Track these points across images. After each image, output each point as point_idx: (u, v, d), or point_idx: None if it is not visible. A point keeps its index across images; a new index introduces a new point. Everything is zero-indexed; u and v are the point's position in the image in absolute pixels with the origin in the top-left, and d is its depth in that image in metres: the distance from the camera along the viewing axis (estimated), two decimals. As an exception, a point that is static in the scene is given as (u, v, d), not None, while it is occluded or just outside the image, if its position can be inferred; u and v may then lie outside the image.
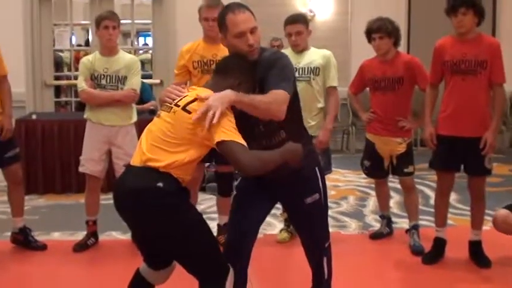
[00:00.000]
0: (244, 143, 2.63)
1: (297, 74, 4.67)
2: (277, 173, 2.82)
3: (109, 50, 4.88)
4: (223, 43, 3.04)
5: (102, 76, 4.83)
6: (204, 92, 2.78)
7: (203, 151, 2.77)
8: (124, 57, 4.94)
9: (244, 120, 2.77)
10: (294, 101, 2.97)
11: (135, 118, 4.98)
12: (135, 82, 4.88)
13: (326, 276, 3.24)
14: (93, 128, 4.88)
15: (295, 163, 2.81)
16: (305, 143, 2.98)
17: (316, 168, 3.13)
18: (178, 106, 2.75)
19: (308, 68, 4.88)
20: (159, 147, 2.74)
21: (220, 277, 2.83)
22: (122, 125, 4.87)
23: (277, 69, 2.85)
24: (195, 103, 2.70)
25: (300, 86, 4.46)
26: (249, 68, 2.88)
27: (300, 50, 4.89)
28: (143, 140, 2.84)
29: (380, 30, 4.72)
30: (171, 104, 2.82)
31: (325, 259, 3.23)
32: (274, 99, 2.76)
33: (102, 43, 4.90)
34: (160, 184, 2.66)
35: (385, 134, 4.86)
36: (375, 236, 5.22)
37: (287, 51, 4.84)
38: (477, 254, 4.54)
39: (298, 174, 2.96)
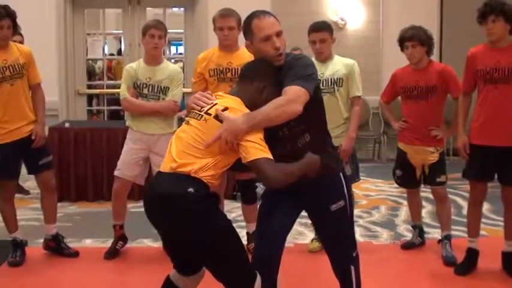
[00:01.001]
0: (270, 156, 2.71)
1: (321, 86, 4.64)
2: (301, 181, 2.84)
3: (153, 59, 4.91)
4: (250, 50, 3.06)
5: (145, 85, 4.86)
6: (231, 102, 2.84)
7: (232, 158, 2.81)
8: (168, 68, 4.96)
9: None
10: (318, 103, 3.01)
11: (175, 127, 4.98)
12: (176, 94, 4.90)
13: (354, 287, 3.19)
14: (133, 135, 4.92)
15: (314, 174, 2.85)
16: (328, 148, 3.07)
17: (341, 175, 3.12)
18: (210, 114, 2.79)
19: (332, 79, 4.84)
20: (189, 153, 2.77)
21: (247, 284, 2.84)
22: (162, 134, 4.89)
23: (296, 68, 2.89)
24: (227, 112, 2.76)
25: (324, 98, 4.48)
26: (274, 71, 2.92)
27: (323, 58, 4.86)
28: (173, 146, 2.87)
29: (413, 38, 4.69)
30: (200, 111, 2.85)
31: (352, 269, 3.17)
32: (286, 101, 2.79)
33: (147, 51, 4.92)
34: (191, 189, 2.70)
35: (418, 143, 4.82)
36: (407, 246, 5.17)
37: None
38: (510, 265, 4.47)
39: (323, 181, 2.97)
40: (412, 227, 5.30)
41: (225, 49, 4.77)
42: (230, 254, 2.80)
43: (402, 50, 4.82)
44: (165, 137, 4.88)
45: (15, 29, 4.65)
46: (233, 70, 4.71)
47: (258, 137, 2.72)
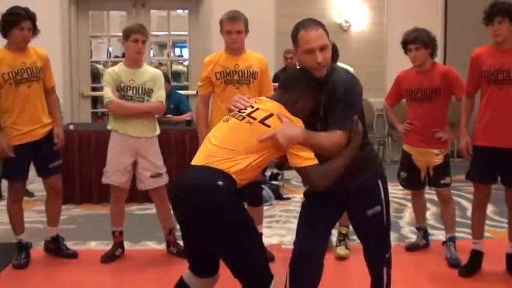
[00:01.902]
0: (315, 161, 2.83)
1: None
2: (340, 185, 2.94)
3: (135, 62, 4.91)
4: (295, 57, 3.12)
5: (129, 87, 4.85)
6: (274, 107, 2.91)
7: (266, 160, 2.90)
8: (149, 71, 4.99)
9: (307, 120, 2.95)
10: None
11: (158, 130, 5.02)
12: (161, 95, 4.92)
13: (385, 286, 3.32)
14: (120, 139, 4.88)
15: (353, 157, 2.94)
16: (367, 154, 3.14)
17: (379, 181, 3.18)
18: (254, 119, 2.87)
19: None
20: (225, 149, 2.84)
21: (264, 283, 2.88)
22: (149, 137, 4.90)
23: (345, 104, 2.91)
24: (272, 118, 2.85)
25: None
26: (312, 85, 2.96)
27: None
28: (208, 141, 2.95)
29: (416, 41, 4.68)
30: (240, 112, 2.93)
31: (385, 269, 3.31)
32: (333, 144, 2.87)
33: (130, 55, 4.93)
34: (220, 182, 2.75)
35: (422, 145, 4.82)
36: (411, 247, 5.17)
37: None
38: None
39: (361, 185, 3.09)
40: (417, 228, 5.30)
41: (231, 52, 4.78)
42: (250, 250, 2.85)
43: (406, 52, 4.82)
44: (151, 139, 4.92)
45: (34, 31, 4.66)
46: (240, 72, 4.73)
47: (307, 148, 2.84)
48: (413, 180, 4.98)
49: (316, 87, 2.94)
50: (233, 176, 2.80)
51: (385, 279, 3.32)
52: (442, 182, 4.84)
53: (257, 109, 2.91)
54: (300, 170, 2.86)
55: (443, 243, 4.97)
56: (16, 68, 4.57)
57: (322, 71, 2.94)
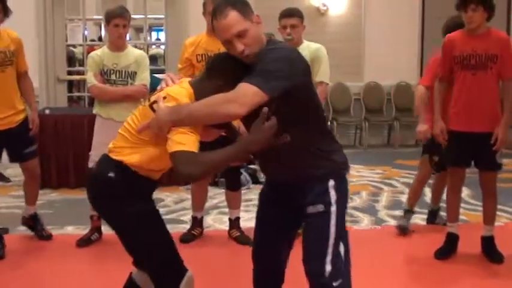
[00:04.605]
0: (188, 147, 2.44)
1: None
2: (281, 177, 2.76)
3: (118, 46, 4.87)
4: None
5: (112, 71, 4.82)
6: (178, 91, 2.60)
7: (163, 153, 2.57)
8: (133, 53, 4.93)
9: (246, 120, 2.62)
10: (301, 102, 2.62)
11: None
12: (145, 77, 4.88)
13: None
14: (103, 123, 4.85)
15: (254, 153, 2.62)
16: (318, 151, 2.71)
17: (332, 181, 2.71)
18: (149, 101, 2.66)
19: None
20: (123, 137, 2.75)
21: (172, 279, 2.79)
22: None
23: (261, 63, 2.50)
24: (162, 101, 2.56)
25: None
26: (238, 69, 2.57)
27: (292, 44, 4.77)
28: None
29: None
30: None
31: None
32: (223, 100, 2.44)
33: (112, 39, 4.89)
34: (111, 174, 2.71)
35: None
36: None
37: None
38: (489, 250, 4.53)
39: (305, 179, 2.71)
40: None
41: (214, 34, 4.74)
42: (148, 244, 2.76)
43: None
44: None
45: (6, 12, 4.52)
46: None
47: (189, 131, 2.48)
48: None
49: (241, 71, 2.53)
50: (131, 167, 2.69)
51: None
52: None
53: (160, 91, 2.67)
54: (170, 157, 2.48)
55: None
56: None
57: (248, 58, 2.56)
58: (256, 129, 2.46)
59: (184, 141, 2.44)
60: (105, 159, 2.78)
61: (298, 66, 2.59)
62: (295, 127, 2.64)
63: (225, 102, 2.43)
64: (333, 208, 2.70)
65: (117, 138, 2.79)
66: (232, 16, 2.53)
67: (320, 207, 2.69)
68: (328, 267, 2.65)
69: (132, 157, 2.69)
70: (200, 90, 2.60)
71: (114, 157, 2.73)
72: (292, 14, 4.78)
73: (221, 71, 2.62)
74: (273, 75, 2.45)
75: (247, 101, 2.42)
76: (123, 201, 2.72)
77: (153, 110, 2.56)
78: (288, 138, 2.65)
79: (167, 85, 2.70)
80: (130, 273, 3.00)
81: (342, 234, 2.77)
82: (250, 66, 2.54)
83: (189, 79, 2.77)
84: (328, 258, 2.67)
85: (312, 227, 2.73)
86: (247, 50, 2.55)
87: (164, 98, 2.56)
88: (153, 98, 2.64)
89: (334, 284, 2.66)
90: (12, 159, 4.90)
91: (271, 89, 2.44)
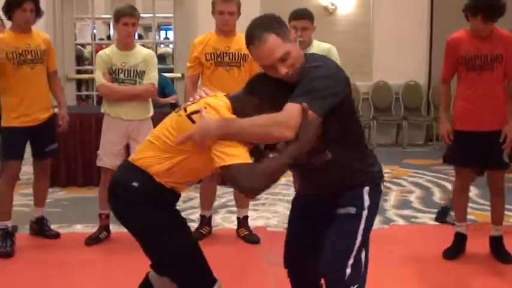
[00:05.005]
0: (244, 159, 2.39)
1: None
2: (320, 193, 2.76)
3: (127, 45, 4.88)
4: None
5: (120, 70, 4.83)
6: (217, 103, 2.55)
7: (201, 164, 2.58)
8: (141, 52, 4.94)
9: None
10: (343, 118, 2.58)
11: (152, 112, 5.01)
12: (153, 76, 4.89)
13: None
14: (112, 122, 4.88)
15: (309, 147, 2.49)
16: (360, 166, 2.71)
17: (367, 187, 2.71)
18: (186, 111, 2.58)
19: None
20: (152, 144, 2.65)
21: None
22: (141, 119, 4.88)
23: (306, 80, 2.45)
24: (197, 114, 2.50)
25: None
26: (279, 89, 2.52)
27: (303, 45, 4.73)
28: (148, 135, 2.76)
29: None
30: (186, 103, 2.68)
31: None
32: (273, 122, 2.39)
33: (120, 38, 4.91)
34: (135, 184, 2.62)
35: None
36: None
37: None
38: (498, 250, 4.51)
39: (344, 186, 2.70)
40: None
41: (222, 34, 4.77)
42: (173, 256, 2.69)
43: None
44: (144, 122, 4.90)
45: (38, 13, 4.68)
46: (231, 55, 4.73)
47: (238, 144, 2.42)
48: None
49: (285, 97, 2.45)
50: (155, 177, 2.60)
51: None
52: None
53: (195, 102, 2.62)
54: (224, 170, 2.40)
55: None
56: (20, 49, 4.62)
57: (292, 77, 2.50)
58: (302, 131, 2.42)
59: (238, 153, 2.39)
60: (129, 167, 2.69)
61: (342, 80, 2.55)
62: (337, 144, 2.62)
63: (275, 124, 2.39)
64: (365, 213, 2.69)
65: (144, 146, 2.70)
66: (272, 41, 2.46)
67: (352, 210, 2.67)
68: (349, 271, 2.62)
69: (160, 167, 2.59)
70: (238, 106, 2.56)
71: (139, 166, 2.64)
72: (303, 16, 4.73)
73: (258, 90, 2.57)
74: (320, 94, 2.42)
75: (296, 124, 2.39)
76: (146, 210, 2.65)
77: (192, 121, 2.51)
78: (329, 156, 2.64)
79: (201, 97, 2.65)
80: (147, 273, 2.94)
81: (366, 241, 2.74)
82: (290, 84, 2.50)
83: (224, 93, 2.71)
84: (351, 261, 2.64)
85: (339, 228, 2.68)
86: (291, 71, 2.50)
87: (200, 110, 2.50)
88: (190, 108, 2.57)
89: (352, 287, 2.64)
90: (35, 155, 4.95)
91: (320, 109, 2.42)
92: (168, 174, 2.60)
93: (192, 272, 2.73)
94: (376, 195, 2.76)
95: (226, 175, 2.43)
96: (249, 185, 2.38)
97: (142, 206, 2.64)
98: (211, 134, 2.40)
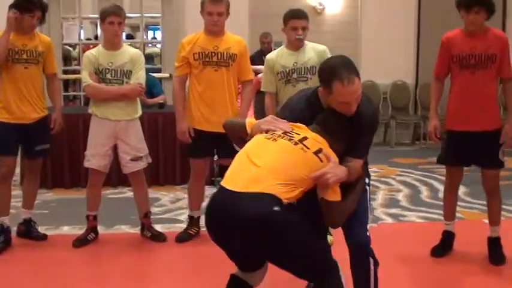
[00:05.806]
0: (340, 199, 2.86)
1: (295, 75, 4.66)
2: None
3: (113, 45, 4.86)
4: (320, 93, 3.03)
5: (107, 70, 4.80)
6: (323, 142, 2.88)
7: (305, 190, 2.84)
8: (128, 51, 4.92)
9: None
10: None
11: (140, 112, 4.98)
12: (140, 76, 4.86)
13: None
14: (99, 123, 4.85)
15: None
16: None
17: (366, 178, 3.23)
18: (308, 148, 2.81)
19: (305, 68, 4.71)
20: (275, 174, 2.74)
21: (337, 276, 2.86)
22: (129, 120, 4.86)
23: (368, 137, 3.06)
24: (322, 154, 2.83)
25: (298, 86, 4.47)
26: (345, 128, 2.97)
27: (300, 44, 4.75)
28: (249, 161, 2.83)
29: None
30: (288, 135, 2.86)
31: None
32: (357, 174, 3.01)
33: (107, 38, 4.89)
34: (276, 208, 2.66)
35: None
36: None
37: (281, 49, 4.82)
38: (492, 251, 4.48)
39: None
40: None
41: (211, 34, 4.76)
42: (316, 255, 2.83)
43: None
44: (132, 122, 4.88)
45: (42, 21, 4.84)
46: (219, 54, 4.72)
47: (336, 186, 2.86)
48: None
49: (351, 133, 2.97)
50: (283, 199, 2.71)
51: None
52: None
53: (305, 138, 2.85)
54: (328, 204, 2.84)
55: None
56: (16, 48, 4.67)
57: (352, 112, 2.95)
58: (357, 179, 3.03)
59: (338, 191, 2.86)
60: (257, 197, 2.70)
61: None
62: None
63: (358, 174, 3.02)
64: (368, 188, 3.22)
65: (260, 175, 2.75)
66: (358, 83, 2.89)
67: (366, 180, 3.19)
68: (368, 233, 3.11)
69: (286, 193, 2.72)
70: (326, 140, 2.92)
71: (269, 192, 2.69)
72: (303, 15, 4.74)
73: (334, 131, 2.95)
74: (370, 145, 3.10)
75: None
76: (297, 224, 2.74)
77: (320, 160, 2.81)
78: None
79: (284, 129, 2.91)
80: (232, 275, 3.04)
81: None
82: (348, 116, 2.95)
83: (301, 125, 2.98)
84: (368, 226, 3.13)
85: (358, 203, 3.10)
86: (354, 108, 2.94)
87: (321, 149, 2.84)
88: (314, 147, 2.83)
89: (371, 248, 3.13)
90: (25, 154, 4.95)
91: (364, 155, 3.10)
92: (290, 199, 2.77)
93: (327, 262, 2.88)
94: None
95: (327, 208, 2.86)
96: (339, 223, 2.94)
97: (293, 220, 2.74)
98: (342, 180, 2.86)
